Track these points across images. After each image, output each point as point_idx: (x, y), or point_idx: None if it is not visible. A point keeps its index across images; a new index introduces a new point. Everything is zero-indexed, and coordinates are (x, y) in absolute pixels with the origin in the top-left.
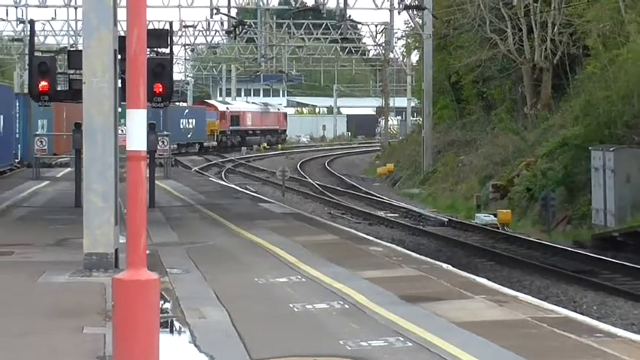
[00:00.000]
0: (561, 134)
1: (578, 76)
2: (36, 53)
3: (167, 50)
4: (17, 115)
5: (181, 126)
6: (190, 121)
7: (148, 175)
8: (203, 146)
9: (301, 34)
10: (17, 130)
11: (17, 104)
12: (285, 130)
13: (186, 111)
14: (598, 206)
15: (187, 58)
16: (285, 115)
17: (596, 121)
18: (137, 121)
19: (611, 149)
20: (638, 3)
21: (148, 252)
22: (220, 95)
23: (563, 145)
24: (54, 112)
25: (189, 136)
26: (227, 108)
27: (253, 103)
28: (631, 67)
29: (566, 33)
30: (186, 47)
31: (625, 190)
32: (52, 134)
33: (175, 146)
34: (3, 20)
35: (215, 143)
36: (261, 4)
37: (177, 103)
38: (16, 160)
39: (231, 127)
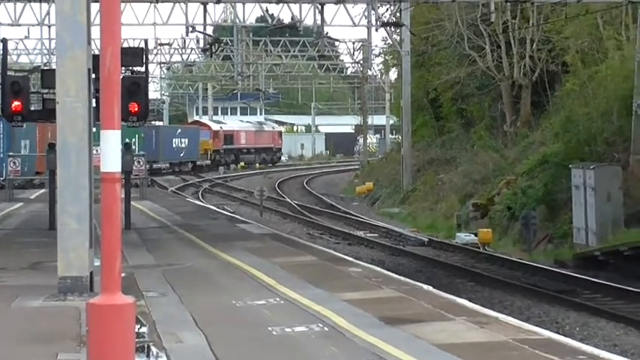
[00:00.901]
0: (541, 152)
1: (557, 93)
2: (9, 72)
3: (142, 68)
4: (1, 135)
5: (174, 145)
6: (183, 140)
7: (123, 196)
8: (196, 165)
9: (278, 52)
10: (1, 150)
11: (1, 125)
12: (280, 149)
13: (179, 130)
14: (579, 225)
15: (163, 76)
16: (280, 133)
17: (576, 138)
18: (111, 142)
19: (592, 167)
20: (616, 19)
21: (123, 275)
22: (197, 114)
23: (543, 163)
24: (37, 131)
25: (181, 155)
26: (220, 127)
27: (248, 122)
28: (610, 83)
29: (544, 49)
30: (162, 65)
31: (606, 208)
32: (35, 154)
33: (168, 165)
34: None
35: (209, 162)
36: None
37: (153, 122)
38: (1, 179)
39: (224, 146)
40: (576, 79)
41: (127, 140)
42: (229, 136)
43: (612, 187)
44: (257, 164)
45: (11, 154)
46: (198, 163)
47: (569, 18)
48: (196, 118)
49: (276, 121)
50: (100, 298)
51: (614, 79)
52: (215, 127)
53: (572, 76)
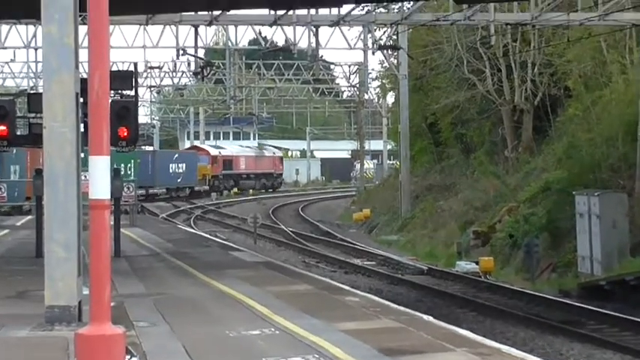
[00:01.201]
0: (544, 178)
1: (559, 118)
2: None
3: (132, 92)
4: None
5: (171, 170)
6: (180, 165)
7: (112, 223)
8: (194, 190)
9: (272, 75)
10: None
11: None
12: (280, 174)
13: (176, 155)
14: (584, 253)
15: (153, 100)
16: (281, 158)
17: (579, 164)
18: (100, 169)
19: (596, 194)
20: (619, 43)
21: (112, 304)
22: (188, 139)
23: (545, 190)
24: (28, 157)
25: (179, 180)
26: (219, 152)
27: (248, 147)
28: (614, 108)
29: (546, 73)
30: (152, 89)
31: (611, 236)
32: (25, 180)
33: (165, 190)
34: None
35: (207, 187)
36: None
37: (142, 147)
38: None
39: (223, 172)
40: (579, 104)
41: (117, 166)
42: (228, 162)
43: (618, 215)
44: (250, 190)
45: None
46: (196, 188)
47: (571, 41)
48: (187, 143)
49: (270, 147)
50: (88, 328)
51: (618, 103)
52: (214, 152)
53: (575, 101)
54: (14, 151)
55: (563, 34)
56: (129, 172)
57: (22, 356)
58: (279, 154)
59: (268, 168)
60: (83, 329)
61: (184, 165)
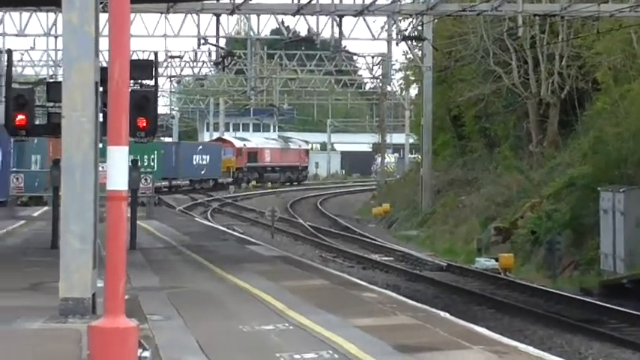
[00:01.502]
0: (568, 174)
1: (587, 112)
2: (13, 85)
3: (152, 82)
4: (12, 150)
5: (194, 162)
6: (204, 157)
7: (129, 215)
8: (217, 182)
9: (293, 66)
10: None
11: (12, 139)
12: (306, 167)
13: (200, 147)
14: (607, 251)
15: (173, 90)
16: (307, 151)
17: (605, 159)
18: (118, 159)
19: (622, 190)
20: None
21: (126, 297)
22: (207, 130)
23: (570, 185)
24: (50, 146)
25: (202, 172)
26: (244, 144)
27: (273, 139)
28: None
29: (574, 66)
30: (172, 79)
31: (636, 233)
32: (45, 170)
33: (188, 182)
34: None
35: (231, 180)
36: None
37: (161, 138)
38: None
39: (248, 164)
40: (607, 98)
41: (139, 157)
42: (253, 154)
43: None
44: (269, 183)
45: (14, 169)
46: (219, 180)
47: (601, 33)
48: (207, 134)
49: (235, 137)
50: (102, 321)
51: None
52: (238, 144)
53: (603, 95)
54: (35, 140)
55: (592, 26)
56: (152, 164)
57: (35, 348)
58: (305, 146)
59: (294, 161)
60: (97, 322)
61: (208, 157)
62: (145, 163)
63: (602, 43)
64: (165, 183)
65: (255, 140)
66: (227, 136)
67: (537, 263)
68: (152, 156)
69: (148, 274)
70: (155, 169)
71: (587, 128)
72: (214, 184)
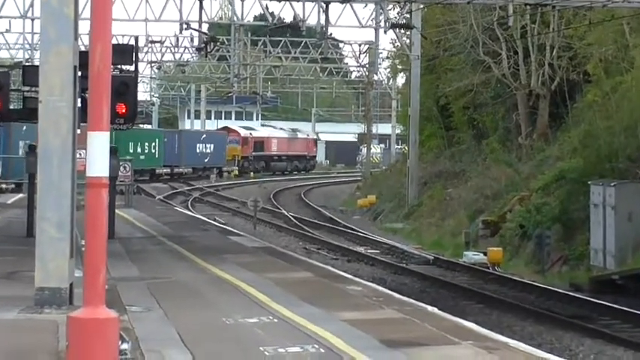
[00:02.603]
0: (558, 167)
1: (577, 105)
2: None
3: (132, 67)
4: None
5: (197, 150)
6: (208, 145)
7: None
8: (222, 171)
9: (278, 53)
10: None
11: None
12: (314, 157)
13: (204, 136)
14: (597, 246)
15: (153, 76)
16: (315, 141)
17: (596, 153)
18: (99, 145)
19: (612, 184)
20: None
21: (106, 288)
22: (188, 117)
23: (559, 179)
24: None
25: (206, 160)
26: (250, 134)
27: (281, 128)
28: (635, 95)
29: (565, 57)
30: (153, 65)
31: (626, 228)
32: None
33: (190, 170)
34: None
35: (236, 168)
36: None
37: (140, 126)
38: None
39: (254, 153)
40: (598, 90)
41: (140, 144)
42: (259, 143)
43: (634, 207)
44: (251, 173)
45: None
46: (224, 169)
47: (593, 24)
48: (187, 122)
49: (241, 126)
50: (82, 312)
51: (639, 90)
52: (244, 133)
53: (594, 87)
54: (24, 127)
55: (584, 17)
56: (153, 151)
57: (10, 339)
58: (313, 136)
59: (301, 150)
60: (76, 312)
61: (212, 145)
62: (147, 151)
63: (594, 34)
64: (167, 170)
65: (263, 130)
66: (233, 125)
67: (526, 258)
68: (154, 143)
69: (126, 264)
70: (157, 156)
71: (577, 121)
72: (219, 173)
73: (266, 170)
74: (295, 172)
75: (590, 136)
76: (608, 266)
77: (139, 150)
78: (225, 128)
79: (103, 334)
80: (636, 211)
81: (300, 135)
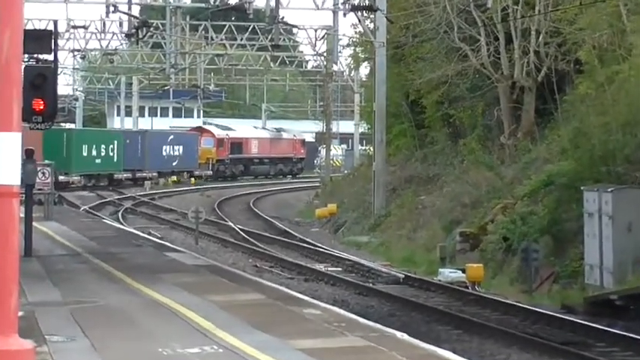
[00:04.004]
0: (546, 170)
1: (567, 98)
2: None
3: (50, 57)
4: None
5: (164, 153)
6: (176, 147)
7: (22, 216)
8: (194, 175)
9: (222, 40)
10: None
11: None
12: (302, 159)
13: (171, 137)
14: (592, 261)
15: (76, 67)
16: (303, 141)
17: (589, 154)
18: (8, 148)
19: (609, 190)
20: None
21: (20, 314)
22: (118, 114)
23: (548, 184)
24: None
25: (174, 164)
26: (227, 134)
27: (263, 128)
28: (634, 87)
29: (553, 43)
30: (76, 53)
31: (626, 241)
32: None
33: (156, 174)
34: None
35: (210, 172)
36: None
37: (62, 125)
38: None
39: (230, 156)
40: (592, 81)
41: (95, 146)
42: (237, 144)
43: (634, 216)
44: (192, 179)
45: None
46: (196, 173)
47: (584, 5)
48: (117, 119)
49: (217, 126)
50: None
51: (638, 81)
52: (220, 133)
53: (587, 78)
54: None
55: None
56: (111, 154)
57: None
58: (301, 136)
59: (287, 152)
60: None
61: (181, 147)
62: (103, 154)
63: (586, 17)
64: (127, 175)
65: (242, 129)
66: (208, 125)
67: (511, 275)
68: (111, 146)
69: (46, 287)
70: (115, 159)
71: (567, 117)
72: (190, 177)
73: (245, 174)
74: (281, 176)
75: (582, 134)
76: (606, 284)
77: (93, 153)
78: (199, 128)
79: None
80: (636, 220)
81: (285, 135)
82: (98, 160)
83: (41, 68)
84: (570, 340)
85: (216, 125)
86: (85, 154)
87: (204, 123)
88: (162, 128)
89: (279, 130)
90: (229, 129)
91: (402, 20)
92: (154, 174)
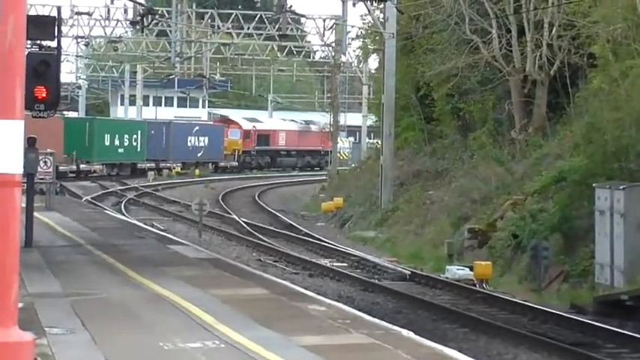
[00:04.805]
0: (558, 166)
1: (580, 93)
2: None
3: (53, 44)
4: None
5: (189, 144)
6: (202, 138)
7: (23, 205)
8: (219, 166)
9: (228, 29)
10: None
11: None
12: (329, 152)
13: (196, 128)
14: (603, 260)
15: (80, 54)
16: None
17: (602, 150)
18: (10, 136)
19: (621, 187)
20: None
21: (20, 305)
22: (122, 104)
23: (559, 181)
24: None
25: (199, 155)
26: (254, 126)
27: (292, 120)
28: None
29: (566, 37)
30: (79, 40)
31: (638, 240)
32: None
33: (180, 165)
34: None
35: (235, 164)
36: None
37: (65, 113)
38: None
39: (257, 147)
40: (605, 76)
41: (119, 137)
42: (264, 136)
43: None
44: (196, 170)
45: None
46: (221, 164)
47: None
48: (120, 108)
49: (222, 116)
50: None
51: None
52: (247, 125)
53: (601, 72)
54: None
55: None
56: (135, 144)
57: None
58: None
59: (315, 144)
60: None
61: (207, 138)
62: (126, 144)
63: (601, 10)
64: (151, 165)
65: (269, 122)
66: (233, 116)
67: (519, 273)
68: (135, 136)
69: (46, 278)
70: (139, 149)
71: (580, 112)
72: (215, 168)
73: (272, 166)
74: (308, 169)
75: (595, 130)
76: (616, 284)
77: (116, 142)
78: (224, 119)
79: None
80: None
81: (313, 127)
82: (121, 150)
83: (44, 55)
84: (579, 341)
85: (244, 117)
86: (107, 143)
87: (209, 113)
88: (174, 118)
89: (307, 122)
90: (257, 121)
91: (412, 11)
92: (178, 165)
